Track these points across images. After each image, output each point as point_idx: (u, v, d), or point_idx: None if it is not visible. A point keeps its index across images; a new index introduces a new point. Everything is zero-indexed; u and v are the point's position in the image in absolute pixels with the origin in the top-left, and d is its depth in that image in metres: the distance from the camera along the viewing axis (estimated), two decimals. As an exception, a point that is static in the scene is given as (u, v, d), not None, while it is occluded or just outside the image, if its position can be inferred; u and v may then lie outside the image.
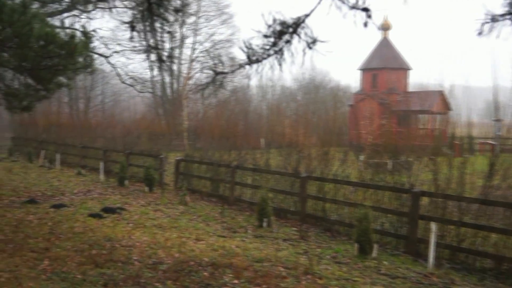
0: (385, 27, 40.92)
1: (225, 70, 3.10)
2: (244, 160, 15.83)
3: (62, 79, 11.15)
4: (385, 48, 40.49)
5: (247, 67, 2.93)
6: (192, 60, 44.70)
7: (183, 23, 44.24)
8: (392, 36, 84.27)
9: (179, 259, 8.25)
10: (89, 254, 8.27)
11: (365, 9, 2.75)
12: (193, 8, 44.25)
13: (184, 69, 45.72)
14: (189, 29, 45.37)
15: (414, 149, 16.06)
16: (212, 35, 45.17)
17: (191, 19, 45.01)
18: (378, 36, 47.07)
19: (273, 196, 12.98)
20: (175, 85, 45.83)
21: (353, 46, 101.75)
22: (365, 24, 2.80)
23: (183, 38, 45.23)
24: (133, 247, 8.92)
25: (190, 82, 43.92)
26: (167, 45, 43.38)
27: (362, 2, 2.66)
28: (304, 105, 49.00)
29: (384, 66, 39.36)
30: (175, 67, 45.53)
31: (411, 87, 42.39)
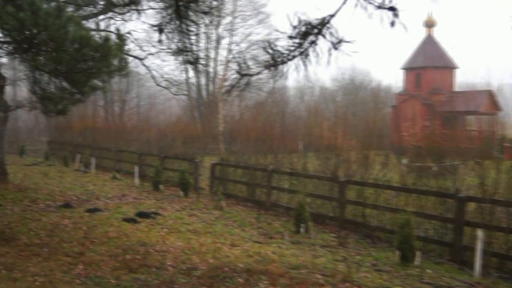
0: (429, 24, 40.27)
1: (250, 72, 3.16)
2: (281, 164, 15.88)
3: (96, 82, 11.44)
4: (429, 45, 39.83)
5: (272, 68, 2.98)
6: (228, 61, 45.02)
7: (218, 24, 44.62)
8: (437, 33, 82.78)
9: (213, 265, 8.35)
10: (123, 259, 8.47)
11: (392, 8, 2.76)
12: (228, 8, 44.57)
13: (220, 70, 46.10)
14: (225, 30, 45.71)
15: (459, 152, 15.78)
16: (248, 35, 45.37)
17: (227, 19, 45.36)
18: (422, 33, 46.34)
19: (311, 201, 12.98)
20: (210, 87, 46.23)
21: (395, 44, 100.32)
22: (392, 24, 2.81)
23: (219, 39, 45.58)
24: (167, 253, 9.08)
25: (226, 84, 44.24)
26: (202, 46, 43.91)
27: (388, 1, 2.68)
28: (344, 107, 48.64)
29: (429, 64, 38.72)
30: (211, 68, 45.94)
31: (457, 87, 41.57)
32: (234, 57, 44.32)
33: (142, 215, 12.94)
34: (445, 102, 37.75)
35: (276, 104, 45.25)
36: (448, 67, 39.52)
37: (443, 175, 12.21)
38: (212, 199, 16.06)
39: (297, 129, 34.43)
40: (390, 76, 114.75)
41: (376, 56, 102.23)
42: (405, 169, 14.34)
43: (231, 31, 45.73)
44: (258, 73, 3.21)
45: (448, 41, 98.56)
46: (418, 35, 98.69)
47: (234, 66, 45.01)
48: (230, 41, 45.99)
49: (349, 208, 12.34)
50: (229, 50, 45.72)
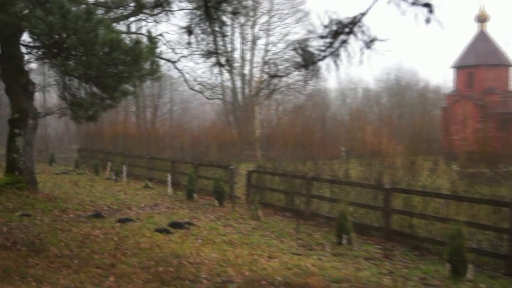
0: (481, 19, 39.53)
1: (281, 73, 3.23)
2: (321, 171, 15.85)
3: (127, 86, 11.72)
4: (482, 42, 39.07)
5: (303, 69, 3.05)
6: (265, 63, 45.13)
7: (254, 24, 44.85)
8: (490, 28, 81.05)
9: (250, 277, 8.41)
10: (156, 271, 8.61)
11: (427, 5, 2.77)
12: (265, 6, 44.80)
13: (256, 72, 46.27)
14: (261, 30, 45.90)
15: (516, 157, 15.45)
16: (286, 35, 45.39)
17: (263, 19, 45.55)
18: (474, 29, 45.51)
19: (353, 211, 12.91)
20: (246, 91, 46.43)
21: (445, 41, 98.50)
22: (427, 21, 2.82)
23: (255, 40, 45.81)
24: (202, 265, 9.18)
25: (268, 87, 44.35)
26: (237, 47, 44.20)
27: (423, -3, 2.70)
28: (389, 109, 48.19)
29: (481, 62, 37.94)
30: (246, 71, 46.19)
31: (512, 86, 40.63)
32: (270, 59, 44.43)
33: (175, 225, 13.12)
34: (500, 102, 36.91)
35: (316, 107, 45.19)
36: (503, 65, 38.67)
37: (498, 182, 11.98)
38: (248, 209, 16.15)
39: (339, 134, 34.28)
40: (439, 75, 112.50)
41: (423, 55, 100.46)
42: (455, 175, 14.12)
43: (268, 31, 45.89)
44: (287, 75, 3.27)
45: (503, 37, 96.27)
46: (470, 31, 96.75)
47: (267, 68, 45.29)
48: (266, 42, 46.15)
49: (395, 218, 12.22)
50: (266, 51, 45.88)
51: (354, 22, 2.78)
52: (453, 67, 40.19)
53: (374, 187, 12.98)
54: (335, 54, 2.80)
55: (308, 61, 2.83)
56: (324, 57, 2.83)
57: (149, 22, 20.15)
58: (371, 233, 12.70)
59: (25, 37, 14.68)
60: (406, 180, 12.80)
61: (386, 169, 13.95)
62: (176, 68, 30.27)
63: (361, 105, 52.65)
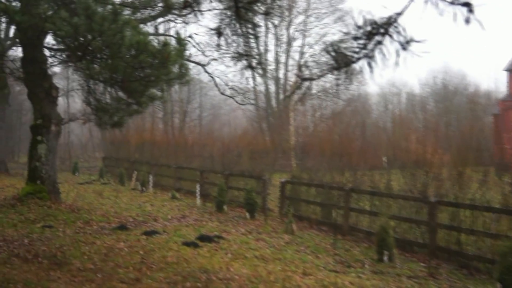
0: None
1: (312, 76, 3.29)
2: (361, 182, 15.79)
3: (155, 91, 11.89)
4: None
5: (335, 72, 3.10)
6: (300, 66, 45.07)
7: (289, 24, 44.89)
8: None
9: (282, 295, 8.44)
10: (183, 287, 8.72)
11: (466, 4, 2.79)
12: (301, 5, 44.80)
13: (292, 76, 46.27)
14: (297, 30, 45.90)
15: None
16: (323, 36, 45.25)
17: (299, 18, 45.55)
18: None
19: (395, 225, 12.83)
20: (281, 95, 46.46)
21: (496, 42, 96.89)
22: (467, 21, 2.83)
23: (290, 41, 45.84)
24: (232, 281, 9.24)
25: (299, 91, 44.28)
26: (271, 49, 44.33)
27: (462, -5, 2.72)
28: (435, 116, 47.62)
29: (539, 64, 37.31)
30: (281, 74, 46.22)
31: None
32: (305, 61, 44.36)
33: (204, 238, 13.23)
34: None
35: (356, 113, 44.98)
36: None
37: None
38: (281, 222, 16.18)
39: (380, 142, 34.04)
40: (491, 79, 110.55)
41: (473, 56, 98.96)
42: (508, 187, 13.88)
43: (304, 31, 45.84)
44: (320, 77, 3.32)
45: None
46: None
47: (307, 71, 45.18)
48: (302, 43, 46.12)
49: (441, 234, 12.09)
50: (301, 53, 45.85)
51: (390, 22, 2.82)
52: (506, 70, 39.53)
53: (418, 199, 12.88)
54: (369, 56, 2.84)
55: (341, 63, 2.88)
56: (358, 59, 2.87)
57: (177, 23, 20.45)
58: (415, 250, 12.59)
59: (49, 40, 15.07)
60: (453, 192, 12.64)
61: (432, 180, 13.80)
62: (206, 71, 30.53)
63: (405, 111, 52.17)
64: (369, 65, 2.96)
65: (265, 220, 16.61)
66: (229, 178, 20.53)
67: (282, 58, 46.17)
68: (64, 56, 10.73)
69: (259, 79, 45.26)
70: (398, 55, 2.82)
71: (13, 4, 11.72)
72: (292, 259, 11.54)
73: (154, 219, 16.52)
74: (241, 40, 3.43)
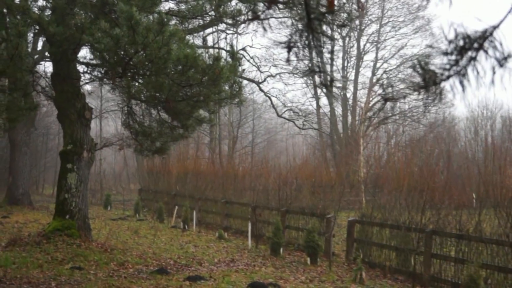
0: None
1: (396, 95, 3.38)
2: (445, 223, 15.62)
3: (203, 113, 12.14)
4: None
5: (422, 91, 3.18)
6: (373, 84, 44.82)
7: (360, 35, 44.79)
8: None
9: None
10: None
11: None
12: (374, 12, 44.70)
13: (362, 96, 46.05)
14: (369, 42, 45.78)
15: None
16: (400, 48, 44.95)
17: (372, 28, 45.43)
18: None
19: (487, 275, 12.64)
20: (349, 119, 46.24)
21: None
22: None
23: (360, 55, 45.72)
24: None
25: (370, 114, 43.98)
26: (338, 64, 44.36)
27: None
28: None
29: None
30: (349, 93, 46.09)
31: None
32: (381, 78, 44.10)
33: (257, 287, 13.32)
34: None
35: (440, 141, 44.36)
36: None
37: None
38: (349, 269, 16.13)
39: (469, 176, 33.51)
40: None
41: None
42: None
43: (377, 43, 45.66)
44: (404, 97, 3.42)
45: None
46: None
47: (380, 90, 44.96)
48: (375, 57, 45.93)
49: (544, 287, 11.86)
50: (374, 69, 45.65)
51: (484, 36, 2.89)
52: None
53: (515, 245, 12.69)
54: (461, 74, 2.90)
55: (429, 81, 2.96)
56: (448, 76, 2.94)
57: (228, 33, 20.81)
58: (511, 306, 12.37)
59: (83, 53, 15.61)
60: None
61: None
62: (262, 90, 30.88)
63: (499, 138, 51.13)
64: (461, 83, 3.03)
65: (329, 266, 16.58)
66: (287, 216, 20.58)
67: (351, 75, 46.02)
68: (101, 72, 11.11)
69: (323, 100, 45.23)
70: (494, 72, 2.89)
71: (46, 13, 12.25)
72: (362, 313, 11.52)
73: (198, 263, 16.71)
74: (312, 54, 3.58)
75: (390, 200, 19.45)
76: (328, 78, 3.89)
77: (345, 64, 46.47)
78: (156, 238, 21.71)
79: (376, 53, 45.96)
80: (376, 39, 45.63)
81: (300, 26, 3.29)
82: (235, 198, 27.74)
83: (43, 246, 16.26)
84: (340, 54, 46.00)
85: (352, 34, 44.31)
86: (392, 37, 45.28)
